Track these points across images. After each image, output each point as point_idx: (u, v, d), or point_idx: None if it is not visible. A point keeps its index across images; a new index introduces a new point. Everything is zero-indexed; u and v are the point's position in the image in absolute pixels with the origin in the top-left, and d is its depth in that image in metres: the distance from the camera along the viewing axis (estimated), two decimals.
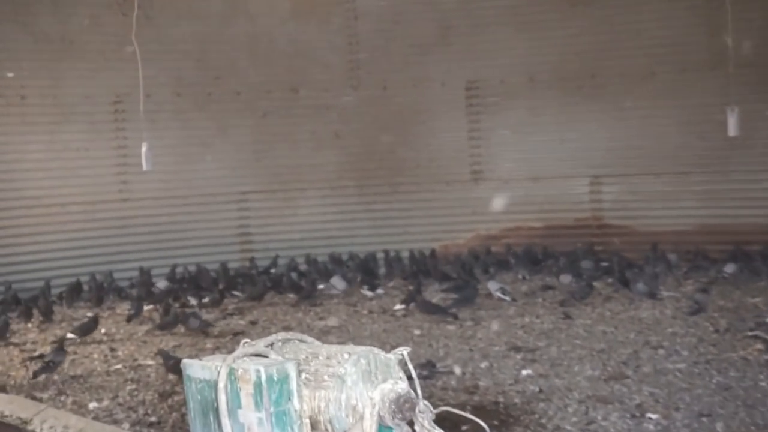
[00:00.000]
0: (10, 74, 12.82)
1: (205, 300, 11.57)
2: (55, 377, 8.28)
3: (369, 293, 11.63)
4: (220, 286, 12.18)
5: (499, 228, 14.23)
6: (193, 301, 11.50)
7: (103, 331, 9.91)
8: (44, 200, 13.02)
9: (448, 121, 14.40)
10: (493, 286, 11.13)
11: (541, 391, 7.20)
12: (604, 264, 12.57)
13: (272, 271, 13.14)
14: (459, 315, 10.13)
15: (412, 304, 10.64)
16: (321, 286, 11.98)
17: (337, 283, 11.82)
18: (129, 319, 10.71)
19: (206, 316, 10.79)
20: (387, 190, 14.33)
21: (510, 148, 14.27)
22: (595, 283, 11.30)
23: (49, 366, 8.27)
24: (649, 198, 13.68)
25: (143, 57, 10.52)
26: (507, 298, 10.84)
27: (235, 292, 12.09)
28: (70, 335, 9.81)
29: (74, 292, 12.00)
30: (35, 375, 8.21)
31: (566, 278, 11.57)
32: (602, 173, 13.94)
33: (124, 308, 11.53)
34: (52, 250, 12.88)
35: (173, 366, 7.96)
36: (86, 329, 9.92)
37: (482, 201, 14.27)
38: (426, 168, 14.36)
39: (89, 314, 10.79)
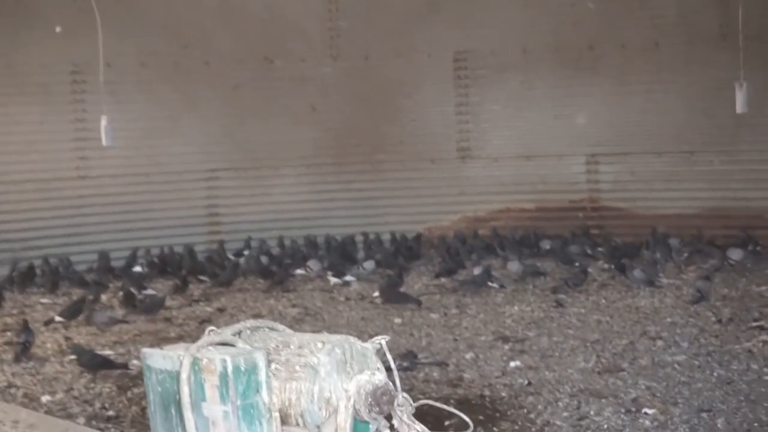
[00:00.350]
0: None
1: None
2: (5, 368, 8.26)
3: (335, 280, 11.59)
4: (184, 271, 12.15)
5: (488, 210, 14.25)
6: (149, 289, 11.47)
7: (57, 318, 9.88)
8: None
9: (434, 94, 14.38)
10: (477, 270, 11.16)
11: (530, 384, 7.23)
12: (600, 249, 12.63)
13: (245, 253, 13.13)
14: (423, 302, 10.20)
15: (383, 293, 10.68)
16: (298, 271, 12.02)
17: (314, 266, 11.83)
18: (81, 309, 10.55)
19: (170, 302, 10.78)
20: (368, 168, 14.31)
21: (501, 124, 14.26)
22: (589, 269, 11.36)
23: (26, 346, 8.51)
24: (650, 179, 13.74)
25: (104, 22, 10.46)
26: (496, 285, 10.89)
27: (202, 277, 12.09)
28: (58, 318, 9.89)
29: (27, 277, 11.94)
30: (18, 358, 8.41)
31: (514, 265, 11.59)
32: (599, 152, 13.98)
33: (80, 295, 11.41)
34: (3, 231, 12.78)
35: (88, 362, 7.95)
36: (74, 312, 9.98)
37: (470, 180, 14.29)
38: (410, 145, 14.35)
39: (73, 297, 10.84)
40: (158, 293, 11.07)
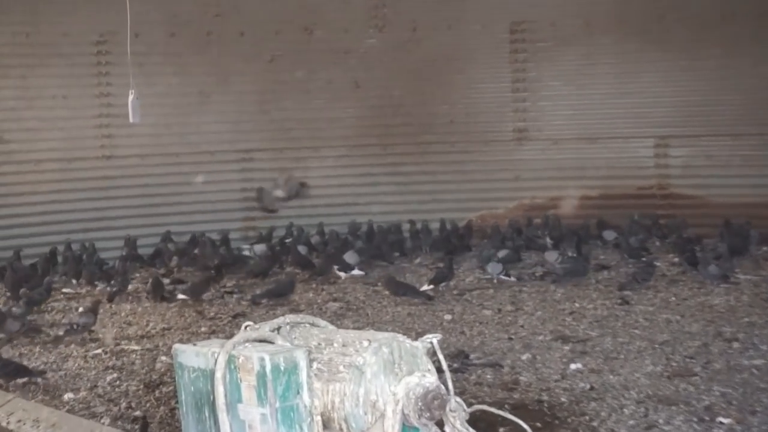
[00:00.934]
0: None
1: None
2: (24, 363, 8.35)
3: (341, 274, 11.60)
4: (216, 261, 12.16)
5: (547, 197, 14.21)
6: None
7: (79, 309, 9.96)
8: (15, 156, 13.11)
9: (488, 69, 14.33)
10: (495, 268, 11.16)
11: (592, 388, 7.20)
12: (669, 240, 12.55)
13: (287, 241, 13.19)
14: (434, 296, 10.23)
15: (442, 285, 10.74)
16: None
17: (351, 258, 11.85)
18: (111, 298, 10.78)
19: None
20: (415, 150, 14.29)
21: (561, 102, 14.21)
22: (658, 263, 11.28)
23: (74, 329, 8.87)
24: (725, 164, 13.61)
25: None
26: (511, 279, 10.92)
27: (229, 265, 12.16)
28: (181, 296, 10.46)
29: (48, 264, 12.07)
30: (59, 340, 8.72)
31: (552, 255, 11.60)
32: (669, 134, 13.87)
33: (105, 283, 11.61)
34: (24, 214, 12.97)
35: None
36: (200, 290, 10.53)
37: (527, 164, 14.23)
38: (461, 125, 14.31)
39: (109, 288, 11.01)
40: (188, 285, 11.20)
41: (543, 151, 14.23)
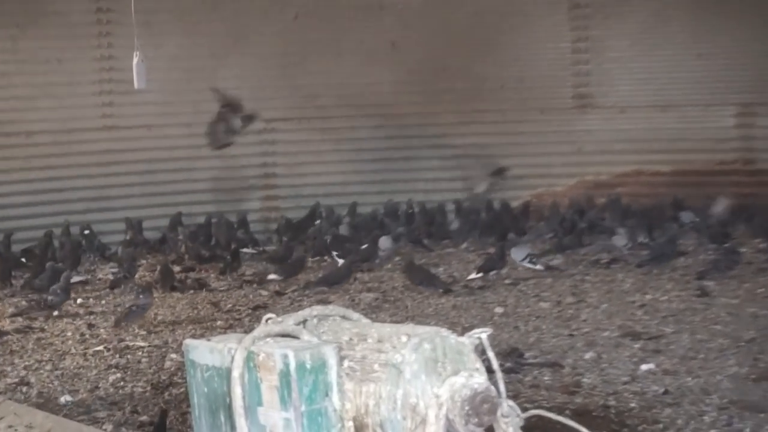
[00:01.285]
0: None
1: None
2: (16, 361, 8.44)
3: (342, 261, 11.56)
4: (234, 245, 12.23)
5: (613, 173, 14.18)
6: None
7: (78, 301, 10.08)
8: (4, 128, 13.16)
9: (544, 27, 14.35)
10: (518, 253, 11.21)
11: (666, 392, 7.17)
12: (755, 223, 12.43)
13: (317, 223, 13.29)
14: (452, 289, 10.34)
15: (492, 273, 10.77)
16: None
17: (385, 244, 11.93)
18: (114, 286, 10.88)
19: (217, 283, 11.00)
20: (461, 119, 14.27)
21: (629, 65, 14.21)
22: (743, 249, 11.25)
23: (132, 311, 9.32)
24: None
25: None
26: (539, 267, 10.96)
27: (247, 249, 12.34)
28: (272, 276, 10.97)
29: (43, 249, 12.13)
30: (117, 322, 9.25)
31: (619, 240, 11.59)
32: (754, 100, 13.83)
33: (108, 271, 11.74)
34: (14, 193, 13.05)
35: None
36: (293, 269, 11.01)
37: (590, 136, 14.23)
38: (514, 90, 14.30)
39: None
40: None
41: (608, 120, 14.22)
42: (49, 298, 9.70)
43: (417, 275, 10.55)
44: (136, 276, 11.17)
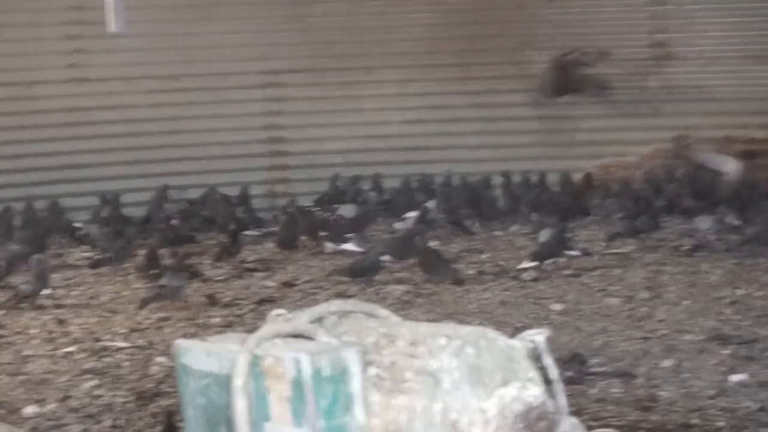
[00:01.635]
0: None
1: None
2: None
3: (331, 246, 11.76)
4: (233, 226, 12.27)
5: (696, 139, 14.02)
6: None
7: (46, 291, 10.06)
8: None
9: None
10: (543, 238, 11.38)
11: (762, 409, 7.20)
12: None
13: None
14: (464, 279, 10.43)
15: (549, 262, 10.77)
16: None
17: (348, 213, 12.35)
18: (95, 266, 11.01)
19: (212, 271, 10.97)
20: (510, 72, 14.20)
21: (716, 7, 14.10)
22: None
23: (164, 293, 9.73)
24: None
25: None
26: (575, 252, 11.14)
27: (250, 232, 12.36)
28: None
29: (2, 228, 12.17)
30: (143, 304, 9.64)
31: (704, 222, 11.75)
32: None
33: (79, 255, 11.76)
34: None
35: None
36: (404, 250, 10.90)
37: (668, 94, 14.18)
38: (575, 38, 14.13)
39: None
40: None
41: (691, 74, 14.20)
42: (21, 286, 9.74)
43: (431, 262, 10.57)
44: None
